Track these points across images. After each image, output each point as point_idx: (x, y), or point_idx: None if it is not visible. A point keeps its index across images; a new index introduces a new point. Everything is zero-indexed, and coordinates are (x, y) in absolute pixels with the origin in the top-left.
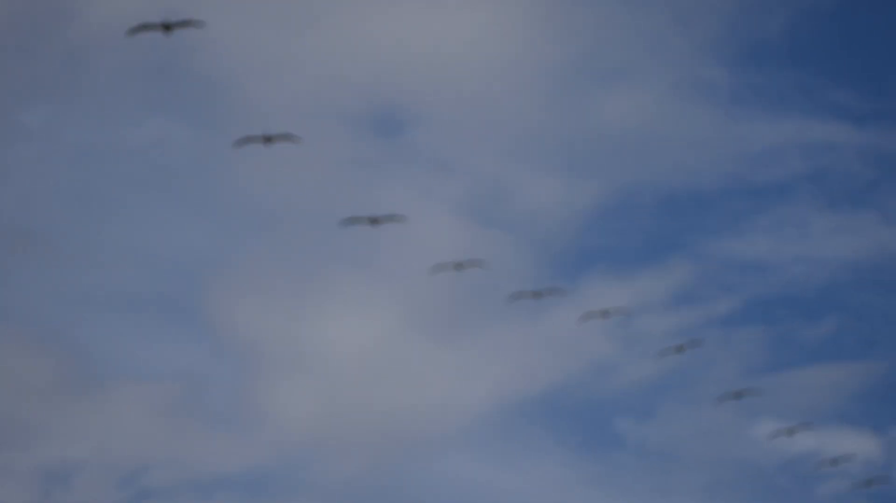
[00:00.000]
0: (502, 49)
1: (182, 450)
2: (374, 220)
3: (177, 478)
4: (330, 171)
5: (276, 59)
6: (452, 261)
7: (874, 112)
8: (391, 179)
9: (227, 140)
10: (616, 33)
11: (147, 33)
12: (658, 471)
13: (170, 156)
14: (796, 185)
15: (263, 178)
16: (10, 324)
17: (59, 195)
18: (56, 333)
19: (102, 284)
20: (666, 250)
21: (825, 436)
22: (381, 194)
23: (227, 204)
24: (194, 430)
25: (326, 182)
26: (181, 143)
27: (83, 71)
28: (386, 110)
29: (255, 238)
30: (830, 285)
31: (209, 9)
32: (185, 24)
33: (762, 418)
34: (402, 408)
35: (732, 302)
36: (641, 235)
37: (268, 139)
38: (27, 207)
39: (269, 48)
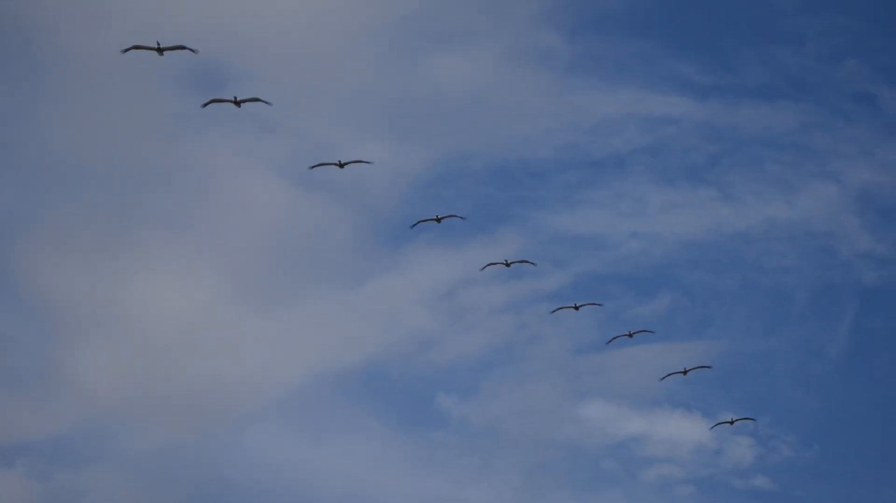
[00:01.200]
0: (331, 5)
1: None
2: (341, 164)
3: None
4: (150, 126)
5: (95, 12)
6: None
7: (715, 86)
8: (213, 138)
9: (27, 95)
10: None
11: None
12: (481, 450)
13: None
14: (633, 159)
15: (72, 133)
16: None
17: None
18: None
19: None
20: (496, 221)
21: (653, 419)
22: (202, 152)
23: (31, 159)
24: None
25: (146, 138)
26: None
27: None
28: (209, 66)
29: (62, 196)
30: (665, 263)
31: None
32: None
33: (589, 399)
34: (215, 378)
35: (563, 277)
36: (471, 205)
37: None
38: None
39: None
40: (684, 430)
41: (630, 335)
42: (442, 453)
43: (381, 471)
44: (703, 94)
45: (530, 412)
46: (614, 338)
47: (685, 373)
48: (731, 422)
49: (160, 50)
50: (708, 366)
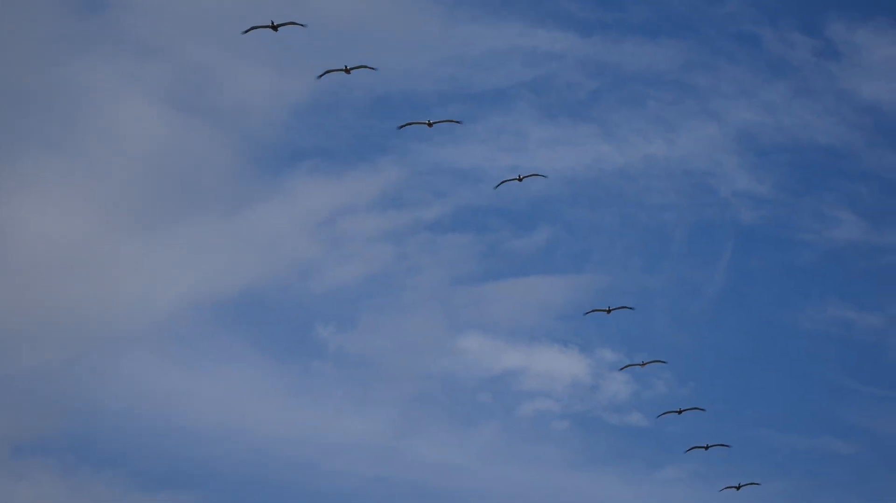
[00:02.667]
0: None
1: None
2: (274, 27)
3: None
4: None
5: None
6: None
7: (600, 22)
8: (93, 61)
9: None
10: None
11: None
12: (358, 381)
13: None
14: (516, 94)
15: None
16: None
17: None
18: None
19: None
20: (377, 152)
21: (531, 354)
22: (81, 75)
23: None
24: None
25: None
26: None
27: None
28: None
29: None
30: (545, 198)
31: None
32: None
33: (468, 332)
34: (90, 302)
35: (442, 207)
36: (352, 135)
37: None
38: None
39: None
40: (561, 365)
41: (608, 311)
42: (318, 384)
43: (257, 400)
44: (587, 29)
45: (408, 344)
46: (592, 310)
47: (609, 311)
48: (643, 365)
49: None
50: (630, 306)
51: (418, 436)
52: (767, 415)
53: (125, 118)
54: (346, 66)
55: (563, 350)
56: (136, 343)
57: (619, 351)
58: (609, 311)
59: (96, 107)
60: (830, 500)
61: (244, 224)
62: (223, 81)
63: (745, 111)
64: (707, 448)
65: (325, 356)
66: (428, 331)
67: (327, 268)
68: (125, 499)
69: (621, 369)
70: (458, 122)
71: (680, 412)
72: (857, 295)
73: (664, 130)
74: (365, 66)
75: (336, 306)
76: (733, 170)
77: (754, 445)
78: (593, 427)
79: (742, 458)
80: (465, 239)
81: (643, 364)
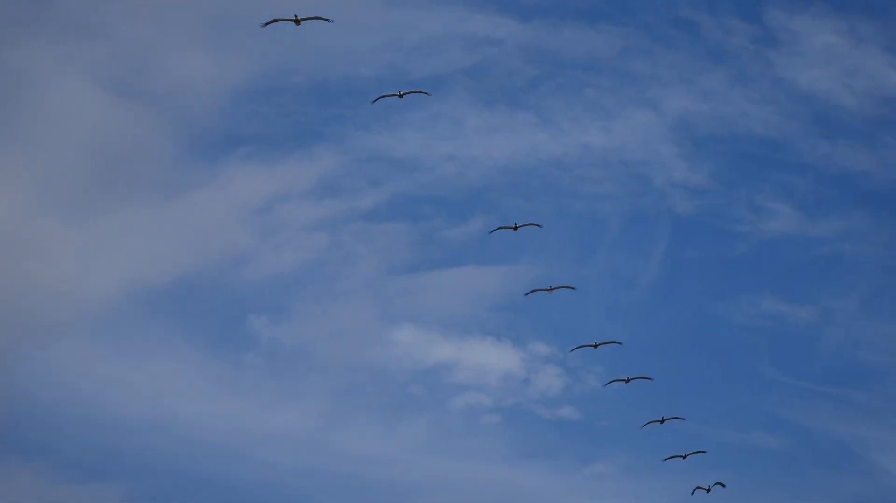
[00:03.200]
0: None
1: None
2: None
3: None
4: None
5: None
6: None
7: (539, 8)
8: (28, 40)
9: None
10: None
11: None
12: (290, 373)
13: None
14: (453, 80)
15: None
16: None
17: None
18: None
19: None
20: (314, 139)
21: (464, 347)
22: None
23: None
24: None
25: None
26: None
27: None
28: None
29: None
30: (480, 186)
31: None
32: None
33: (401, 323)
34: (22, 288)
35: (378, 196)
36: (289, 122)
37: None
38: None
39: None
40: (493, 359)
41: (595, 346)
42: (250, 374)
43: (188, 390)
44: (526, 15)
45: (341, 334)
46: (578, 346)
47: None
48: (627, 381)
49: None
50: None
51: (349, 428)
52: (698, 408)
53: (59, 100)
54: (295, 16)
55: (496, 343)
56: (66, 331)
57: (552, 344)
58: (596, 346)
59: (30, 88)
60: (760, 495)
61: (178, 211)
62: (161, 65)
63: (683, 99)
64: (685, 457)
65: (258, 346)
66: (361, 321)
67: (262, 257)
68: (53, 489)
69: (606, 384)
70: (426, 93)
71: (627, 381)
72: (791, 287)
73: (601, 118)
74: (319, 18)
75: (270, 295)
76: (670, 159)
77: (686, 439)
78: (524, 421)
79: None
80: (400, 228)
81: (627, 380)
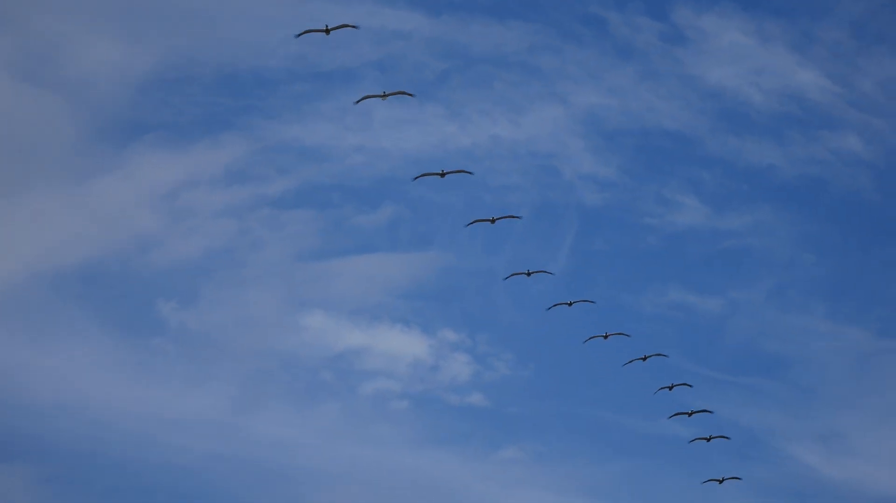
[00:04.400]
0: None
1: None
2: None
3: None
4: None
5: None
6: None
7: (448, 3)
8: None
9: None
10: None
11: None
12: (198, 358)
13: None
14: (363, 73)
15: None
16: None
17: None
18: None
19: None
20: (222, 128)
21: (374, 333)
22: None
23: None
24: None
25: None
26: None
27: None
28: None
29: None
30: (389, 177)
31: None
32: None
33: (310, 309)
34: None
35: (287, 184)
36: (198, 110)
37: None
38: None
39: None
40: (403, 345)
41: (605, 337)
42: (160, 360)
43: (96, 375)
44: (435, 9)
45: (250, 320)
46: (591, 337)
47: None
48: (605, 337)
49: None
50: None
51: (259, 414)
52: (608, 396)
53: None
54: (326, 27)
55: (405, 330)
56: None
57: (461, 332)
58: (570, 305)
59: None
60: (669, 483)
61: (86, 196)
62: (70, 53)
63: (592, 94)
64: (710, 439)
65: (167, 331)
66: (270, 307)
67: (170, 242)
68: None
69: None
70: (410, 94)
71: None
72: (698, 279)
73: (510, 112)
74: (347, 26)
75: (178, 280)
76: (578, 152)
77: (595, 426)
78: (433, 407)
79: (582, 440)
80: (308, 215)
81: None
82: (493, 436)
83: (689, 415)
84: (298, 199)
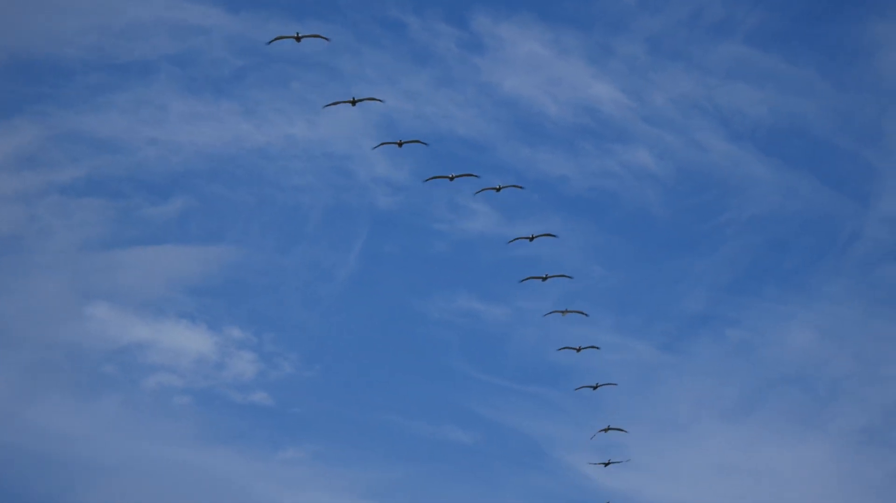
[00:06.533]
0: None
1: None
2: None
3: None
4: None
5: None
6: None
7: (248, 0)
8: None
9: None
10: None
11: None
12: None
13: None
14: (159, 67)
15: None
16: None
17: None
18: None
19: None
20: (12, 113)
21: (159, 327)
22: None
23: None
24: None
25: None
26: None
27: None
28: None
29: None
30: (182, 171)
31: None
32: None
33: (96, 300)
34: None
35: (77, 171)
36: None
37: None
38: None
39: None
40: (188, 341)
41: (544, 278)
42: None
43: None
44: (235, 6)
45: (34, 309)
46: (527, 278)
47: (545, 278)
48: (564, 313)
49: None
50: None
51: (40, 404)
52: (393, 400)
53: None
54: (297, 34)
55: (191, 326)
56: None
57: (248, 330)
58: (545, 279)
59: None
60: (450, 488)
61: None
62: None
63: (388, 98)
64: (595, 387)
65: None
66: (56, 296)
67: None
68: None
69: (546, 314)
70: (378, 98)
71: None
72: (486, 286)
73: (307, 112)
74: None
75: None
76: (373, 155)
77: (379, 429)
78: (216, 404)
79: (365, 443)
80: (98, 204)
81: (564, 312)
82: (275, 436)
83: (578, 350)
84: (89, 187)
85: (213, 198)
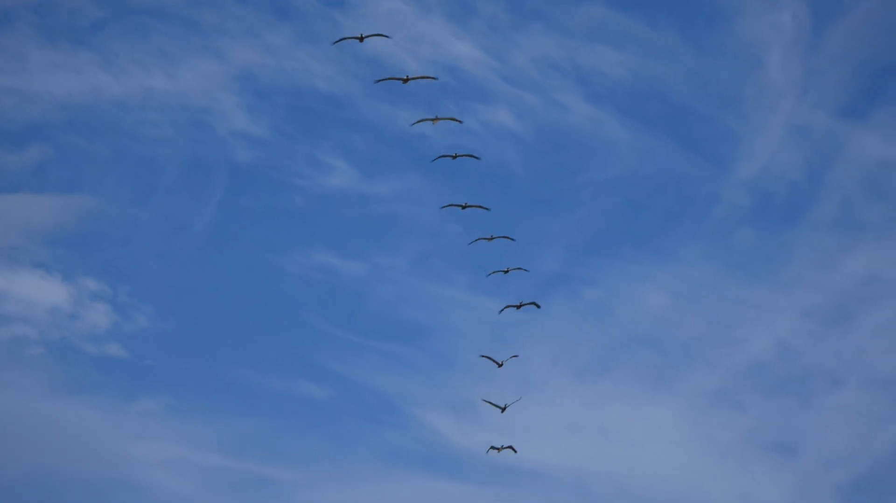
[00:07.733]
0: None
1: None
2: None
3: None
4: None
5: None
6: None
7: None
8: None
9: None
10: None
11: None
12: None
13: None
14: (17, 15)
15: None
16: None
17: None
18: None
19: None
20: None
21: (13, 277)
22: None
23: None
24: None
25: None
26: None
27: None
28: None
29: None
30: (38, 121)
31: None
32: None
33: None
34: None
35: None
36: None
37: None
38: None
39: None
40: (41, 291)
41: (491, 237)
42: None
43: None
44: None
45: None
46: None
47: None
48: (490, 239)
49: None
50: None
51: None
52: (248, 354)
53: None
54: (361, 35)
55: (45, 276)
56: None
57: (103, 281)
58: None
59: None
60: (303, 443)
61: None
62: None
63: (248, 52)
64: (507, 272)
65: None
66: None
67: None
68: None
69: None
70: (433, 77)
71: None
72: (344, 242)
73: (165, 65)
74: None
75: None
76: (231, 109)
77: (233, 383)
78: (70, 355)
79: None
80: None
81: (490, 238)
82: (128, 388)
83: (506, 272)
84: None
85: (69, 148)
